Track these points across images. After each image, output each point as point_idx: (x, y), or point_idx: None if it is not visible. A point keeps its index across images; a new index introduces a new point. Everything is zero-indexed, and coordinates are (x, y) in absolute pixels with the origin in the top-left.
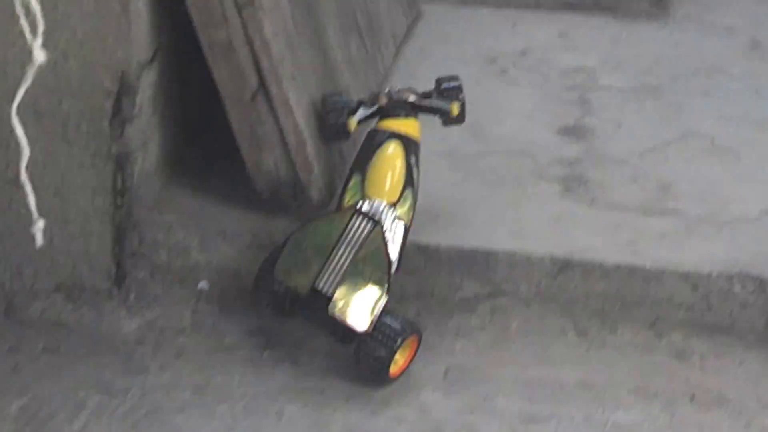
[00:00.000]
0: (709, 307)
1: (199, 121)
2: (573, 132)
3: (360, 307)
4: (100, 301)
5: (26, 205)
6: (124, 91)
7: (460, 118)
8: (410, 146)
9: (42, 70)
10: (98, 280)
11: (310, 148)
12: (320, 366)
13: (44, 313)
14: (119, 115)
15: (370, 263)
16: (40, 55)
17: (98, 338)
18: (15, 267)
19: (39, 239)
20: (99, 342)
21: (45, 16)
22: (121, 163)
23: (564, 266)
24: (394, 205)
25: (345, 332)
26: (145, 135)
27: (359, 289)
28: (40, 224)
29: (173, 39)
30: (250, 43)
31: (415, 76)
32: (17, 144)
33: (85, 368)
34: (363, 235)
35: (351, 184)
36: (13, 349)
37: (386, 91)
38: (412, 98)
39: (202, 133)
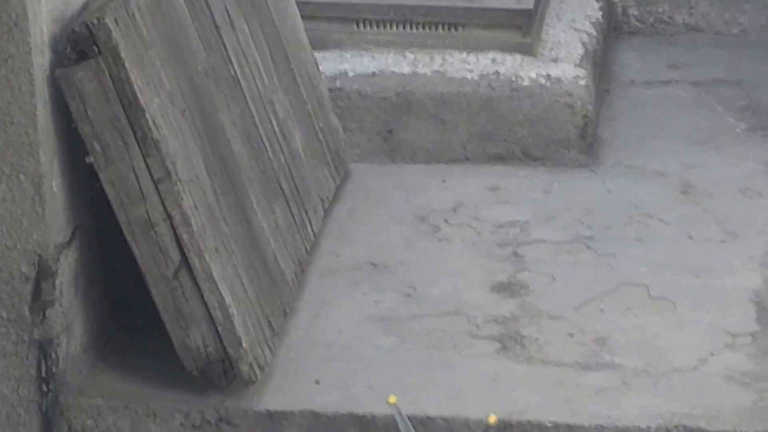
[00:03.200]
0: None
1: (125, 299)
2: (507, 288)
3: None
4: None
5: None
6: (42, 274)
7: None
8: None
9: None
10: None
11: (238, 322)
12: None
13: None
14: (39, 300)
15: None
16: None
17: None
18: None
19: None
20: None
21: None
22: (45, 349)
23: (502, 429)
24: None
25: None
26: (68, 318)
27: None
28: None
29: (92, 218)
30: (169, 217)
31: (345, 238)
32: None
33: None
34: None
35: None
36: None
37: None
38: None
39: (129, 311)
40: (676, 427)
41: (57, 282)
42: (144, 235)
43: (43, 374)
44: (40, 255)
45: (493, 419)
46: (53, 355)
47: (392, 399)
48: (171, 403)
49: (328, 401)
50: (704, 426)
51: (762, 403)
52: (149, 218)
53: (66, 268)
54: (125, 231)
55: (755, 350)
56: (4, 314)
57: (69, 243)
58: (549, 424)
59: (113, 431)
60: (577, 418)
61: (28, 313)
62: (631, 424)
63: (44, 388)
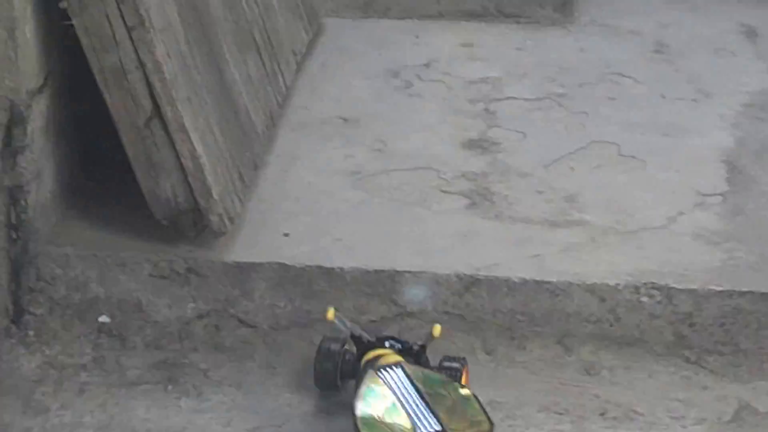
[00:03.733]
0: (617, 319)
1: (95, 149)
2: (478, 145)
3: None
4: None
5: None
6: (13, 120)
7: None
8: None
9: None
10: None
11: (208, 172)
12: (225, 399)
13: None
14: (10, 146)
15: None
16: None
17: None
18: None
19: None
20: None
21: None
22: (15, 195)
23: (470, 283)
24: None
25: None
26: (39, 165)
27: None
28: None
29: (65, 65)
30: (142, 65)
31: (317, 92)
32: None
33: None
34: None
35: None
36: None
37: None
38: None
39: (99, 161)
40: (644, 284)
41: (28, 128)
42: (116, 83)
43: (13, 221)
44: (12, 101)
45: (437, 330)
46: (23, 202)
47: (330, 313)
48: (140, 253)
49: (296, 254)
50: (672, 283)
51: (730, 262)
52: (122, 66)
53: (38, 115)
54: (98, 78)
55: (725, 210)
56: None
57: (41, 89)
58: (517, 280)
59: (81, 280)
60: (546, 274)
61: None
62: (600, 281)
63: (13, 235)
